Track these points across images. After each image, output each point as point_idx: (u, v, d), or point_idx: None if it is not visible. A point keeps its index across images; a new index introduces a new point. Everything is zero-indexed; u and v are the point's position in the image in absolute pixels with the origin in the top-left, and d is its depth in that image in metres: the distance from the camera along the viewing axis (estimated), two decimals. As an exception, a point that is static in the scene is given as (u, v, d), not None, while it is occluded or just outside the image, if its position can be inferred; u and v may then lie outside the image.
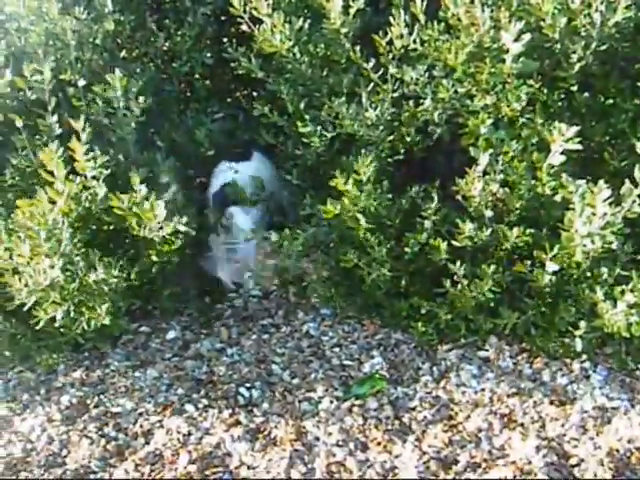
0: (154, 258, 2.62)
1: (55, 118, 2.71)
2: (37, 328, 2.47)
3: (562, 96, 2.40)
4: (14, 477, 2.24)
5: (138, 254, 2.68)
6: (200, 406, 2.46)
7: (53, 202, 2.45)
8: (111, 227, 2.63)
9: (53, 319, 2.47)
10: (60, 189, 2.46)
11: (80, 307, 2.50)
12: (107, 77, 2.73)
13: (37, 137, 2.73)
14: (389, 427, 2.29)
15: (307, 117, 2.66)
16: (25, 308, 2.43)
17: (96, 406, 2.50)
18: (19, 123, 2.65)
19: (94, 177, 2.54)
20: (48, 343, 2.64)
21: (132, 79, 2.74)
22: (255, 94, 3.31)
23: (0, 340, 2.62)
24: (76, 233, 2.50)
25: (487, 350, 2.55)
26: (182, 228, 2.53)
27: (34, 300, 2.41)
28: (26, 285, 2.37)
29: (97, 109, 2.79)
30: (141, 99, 2.76)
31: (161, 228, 2.50)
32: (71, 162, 2.52)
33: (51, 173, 2.46)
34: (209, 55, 3.10)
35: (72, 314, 2.49)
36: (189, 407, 2.46)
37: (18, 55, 2.92)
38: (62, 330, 2.55)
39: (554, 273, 2.31)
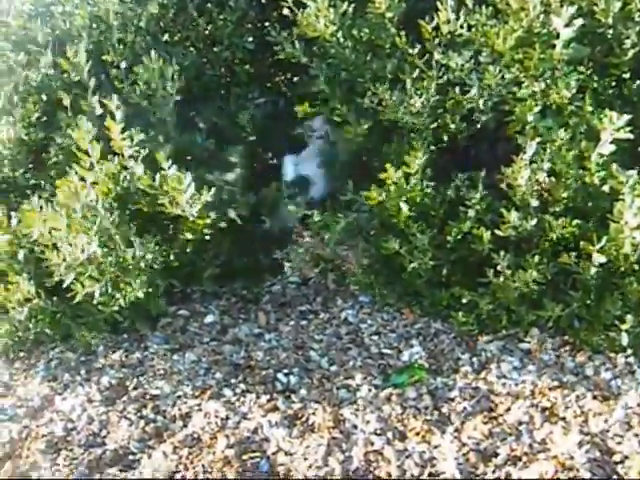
0: (189, 236, 2.61)
1: (96, 98, 2.72)
2: (75, 303, 2.50)
3: (613, 83, 2.35)
4: (55, 455, 2.27)
5: (175, 233, 2.68)
6: (238, 391, 2.46)
7: (84, 180, 2.47)
8: (149, 207, 2.64)
9: (91, 296, 2.49)
10: (94, 168, 2.48)
11: (117, 283, 2.51)
12: (144, 59, 2.74)
13: (79, 117, 2.74)
14: (428, 417, 2.27)
15: (345, 108, 2.63)
16: (64, 285, 2.46)
17: (135, 388, 2.52)
18: (66, 102, 2.67)
19: (131, 157, 2.55)
20: (87, 320, 2.66)
21: (168, 62, 2.74)
22: (296, 79, 3.29)
23: (41, 318, 2.65)
24: (114, 211, 2.51)
25: (529, 342, 2.51)
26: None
27: (72, 277, 2.44)
28: (64, 260, 2.39)
29: (137, 90, 2.80)
30: (177, 81, 2.76)
31: (192, 205, 2.49)
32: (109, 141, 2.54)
33: (85, 152, 2.47)
34: (250, 40, 3.07)
35: (109, 290, 2.50)
36: (227, 391, 2.46)
37: (63, 38, 2.95)
38: (100, 307, 2.57)
39: (601, 265, 2.26)
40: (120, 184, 2.53)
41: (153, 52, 2.73)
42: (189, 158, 2.83)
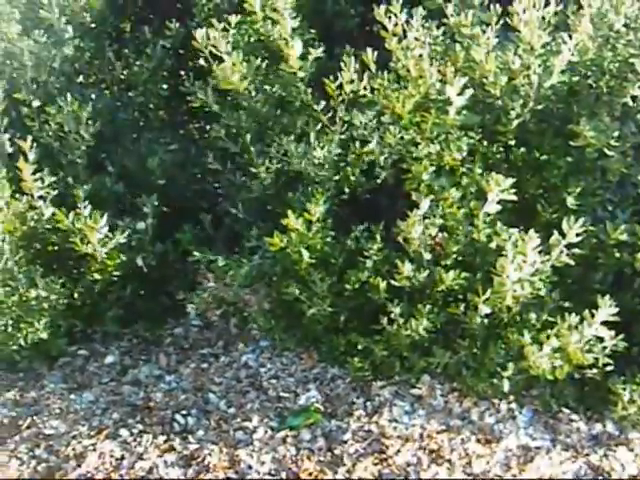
0: (97, 276, 2.63)
1: (7, 136, 2.73)
2: None
3: (500, 149, 2.54)
4: (-61, 495, 2.21)
5: (81, 273, 2.69)
6: (135, 431, 2.47)
7: None
8: (55, 247, 2.66)
9: None
10: (3, 207, 2.48)
11: (19, 322, 2.50)
12: (59, 101, 2.78)
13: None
14: (321, 458, 2.34)
15: (253, 150, 2.74)
16: None
17: (29, 427, 2.49)
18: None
19: (41, 197, 2.57)
20: None
21: (83, 105, 2.79)
22: (208, 127, 3.38)
23: None
24: (19, 250, 2.51)
25: (420, 388, 2.63)
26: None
27: None
28: None
29: (49, 131, 2.83)
30: (91, 125, 2.80)
31: (104, 245, 2.52)
32: (19, 181, 2.55)
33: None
34: (165, 87, 3.16)
35: (9, 329, 2.48)
36: (124, 432, 2.46)
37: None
38: None
39: (486, 316, 2.41)
40: (27, 223, 2.54)
41: (68, 94, 2.77)
42: (98, 201, 2.87)
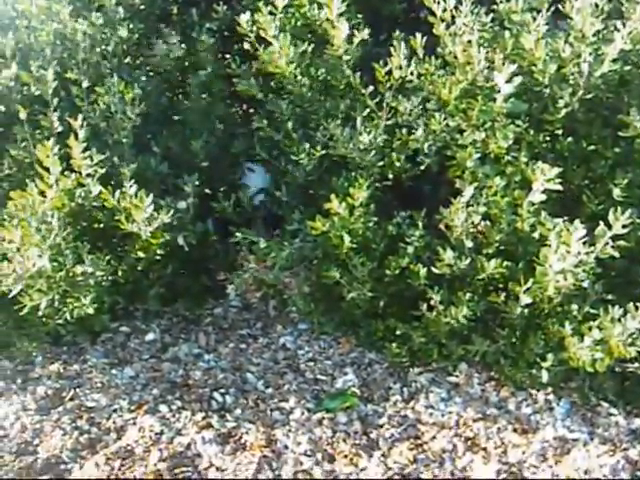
0: (140, 254, 2.67)
1: (57, 115, 2.78)
2: (20, 315, 2.52)
3: (547, 138, 2.52)
4: (-15, 461, 2.28)
5: (125, 251, 2.74)
6: (174, 407, 2.51)
7: (43, 195, 2.52)
8: (101, 224, 2.70)
9: (36, 308, 2.52)
10: (53, 184, 2.53)
11: (65, 297, 2.55)
12: (107, 81, 2.82)
13: (38, 132, 2.80)
14: (357, 441, 2.36)
15: (295, 136, 2.76)
16: (10, 295, 2.48)
17: (71, 399, 2.55)
18: (23, 115, 2.72)
19: (89, 175, 2.62)
20: (29, 332, 2.68)
21: (130, 86, 2.83)
22: (252, 111, 3.40)
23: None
24: (67, 227, 2.57)
25: (457, 376, 2.63)
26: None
27: (20, 288, 2.47)
28: (14, 271, 2.42)
29: (97, 110, 2.88)
30: (137, 106, 2.84)
31: (148, 224, 2.56)
32: (68, 159, 2.59)
33: (46, 169, 2.53)
34: (210, 70, 3.17)
35: (56, 304, 2.54)
36: (163, 407, 2.51)
37: (25, 51, 3.00)
38: (44, 319, 2.60)
39: (526, 306, 2.40)
40: (75, 200, 2.59)
41: (116, 75, 2.82)
42: (143, 181, 2.91)
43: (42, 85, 2.82)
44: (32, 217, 2.45)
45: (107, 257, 2.60)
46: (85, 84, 2.94)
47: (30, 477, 2.23)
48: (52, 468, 2.27)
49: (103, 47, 3.04)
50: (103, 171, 2.64)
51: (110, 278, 2.64)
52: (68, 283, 2.53)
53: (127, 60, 3.24)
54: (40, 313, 2.55)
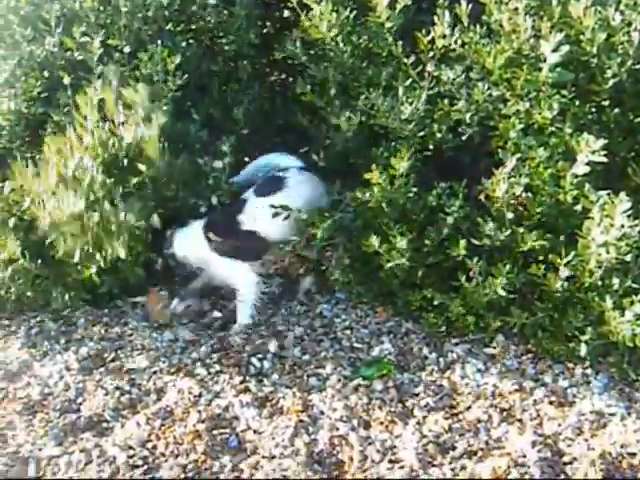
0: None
1: (100, 82, 2.81)
2: (56, 268, 2.65)
3: (593, 109, 2.48)
4: (31, 416, 2.34)
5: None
6: (212, 371, 2.56)
7: (81, 140, 2.58)
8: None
9: (71, 255, 2.60)
10: (91, 129, 2.61)
11: (98, 243, 2.60)
12: (150, 47, 2.84)
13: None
14: (392, 409, 2.38)
15: (338, 102, 2.74)
16: (48, 241, 2.59)
17: (112, 360, 2.61)
18: (66, 80, 2.75)
19: (122, 123, 2.65)
20: (66, 281, 2.73)
21: (172, 53, 2.85)
22: (291, 79, 3.39)
23: (23, 280, 2.73)
24: (102, 172, 2.63)
25: (494, 347, 2.63)
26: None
27: (56, 234, 2.54)
28: (49, 215, 2.48)
29: (139, 77, 2.90)
30: (179, 75, 2.87)
31: None
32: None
33: (84, 117, 2.61)
34: (254, 36, 3.16)
35: (90, 249, 2.60)
36: (201, 371, 2.56)
37: (70, 17, 3.03)
38: (79, 267, 2.68)
39: (567, 279, 2.38)
40: (109, 150, 2.63)
41: (159, 42, 2.84)
42: (181, 145, 2.94)
43: (85, 52, 2.85)
44: (69, 161, 2.50)
45: (139, 204, 2.64)
46: (127, 49, 2.97)
47: (73, 433, 2.29)
48: (94, 426, 2.33)
49: (144, 12, 3.05)
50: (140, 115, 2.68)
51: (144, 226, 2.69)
52: (102, 228, 2.57)
53: (168, 26, 3.26)
54: (75, 260, 2.60)
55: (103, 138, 2.66)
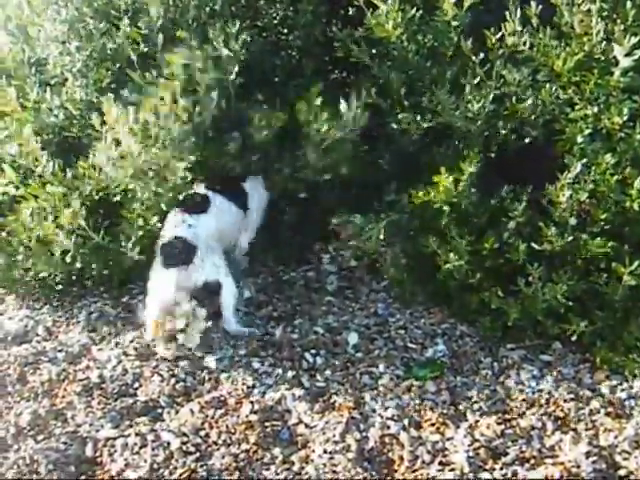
0: None
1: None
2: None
3: (665, 116, 2.41)
4: (89, 398, 2.41)
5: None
6: (266, 364, 2.58)
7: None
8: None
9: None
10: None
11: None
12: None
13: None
14: (444, 411, 2.36)
15: (407, 103, 2.73)
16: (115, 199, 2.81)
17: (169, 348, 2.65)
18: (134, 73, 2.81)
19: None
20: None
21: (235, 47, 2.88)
22: (353, 77, 3.38)
23: (85, 250, 2.85)
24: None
25: (550, 355, 2.59)
26: None
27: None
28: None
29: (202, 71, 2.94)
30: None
31: None
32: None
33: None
34: (321, 33, 3.17)
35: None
36: (255, 363, 2.58)
37: (138, 10, 3.08)
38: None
39: (630, 288, 2.33)
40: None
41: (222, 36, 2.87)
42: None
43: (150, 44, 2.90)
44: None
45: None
46: (193, 43, 3.00)
47: (129, 417, 2.34)
48: (150, 411, 2.38)
49: (211, 6, 3.09)
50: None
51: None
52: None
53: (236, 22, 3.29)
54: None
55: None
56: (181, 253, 2.64)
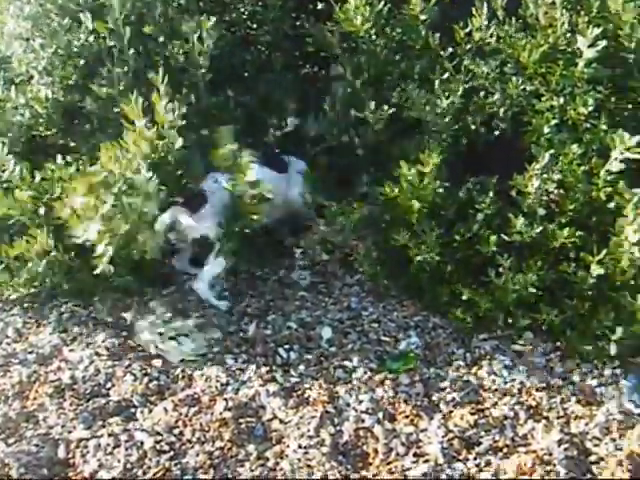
0: None
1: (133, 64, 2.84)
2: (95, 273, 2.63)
3: (629, 106, 2.44)
4: (61, 400, 2.38)
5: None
6: (240, 360, 2.57)
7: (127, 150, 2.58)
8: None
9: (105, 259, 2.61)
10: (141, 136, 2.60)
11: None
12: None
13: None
14: (418, 403, 2.38)
15: (364, 95, 2.74)
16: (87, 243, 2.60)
17: (141, 347, 2.63)
18: (102, 69, 2.78)
19: (171, 127, 2.66)
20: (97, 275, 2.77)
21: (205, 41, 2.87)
22: (324, 72, 3.39)
23: (58, 271, 2.78)
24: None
25: (522, 344, 2.61)
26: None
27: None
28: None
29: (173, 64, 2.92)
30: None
31: None
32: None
33: (132, 123, 2.59)
34: (290, 26, 3.17)
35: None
36: (229, 360, 2.57)
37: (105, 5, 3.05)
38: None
39: (598, 277, 2.36)
40: (158, 152, 2.65)
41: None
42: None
43: (118, 39, 2.87)
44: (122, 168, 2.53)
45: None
46: (161, 39, 2.99)
47: (102, 417, 2.32)
48: (123, 411, 2.36)
49: (178, 1, 3.07)
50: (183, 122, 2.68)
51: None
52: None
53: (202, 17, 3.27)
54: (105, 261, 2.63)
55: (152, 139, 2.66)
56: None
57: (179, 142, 2.63)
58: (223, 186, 2.70)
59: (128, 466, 2.15)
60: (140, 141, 2.54)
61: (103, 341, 2.66)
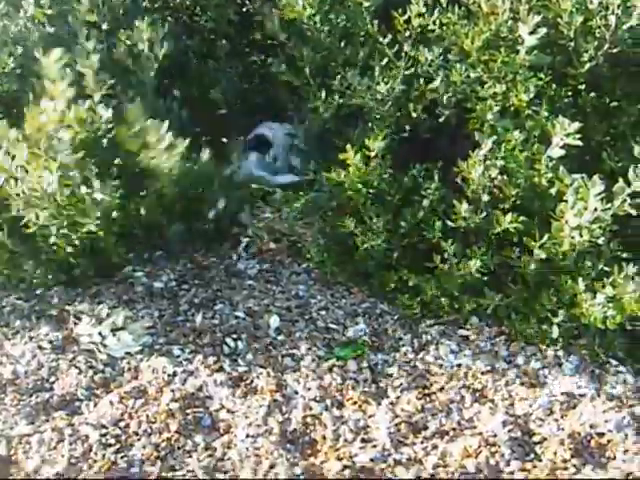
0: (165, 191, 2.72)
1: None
2: (33, 246, 2.59)
3: (569, 93, 2.49)
4: (3, 395, 2.33)
5: (139, 184, 2.76)
6: (187, 351, 2.55)
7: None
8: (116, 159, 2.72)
9: (47, 235, 2.57)
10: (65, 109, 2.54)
11: (74, 224, 2.58)
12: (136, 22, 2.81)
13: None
14: (366, 389, 2.39)
15: (313, 83, 2.73)
16: (23, 222, 2.54)
17: (86, 339, 2.59)
18: (40, 55, 2.70)
19: (101, 102, 2.62)
20: (42, 259, 2.72)
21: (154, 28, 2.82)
22: (270, 59, 3.36)
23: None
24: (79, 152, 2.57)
25: (467, 329, 2.65)
26: None
27: (32, 215, 2.51)
28: (23, 193, 2.44)
29: (120, 51, 2.86)
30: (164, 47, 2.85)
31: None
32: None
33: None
34: (234, 13, 3.13)
35: (66, 230, 2.57)
36: (176, 350, 2.54)
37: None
38: (55, 248, 2.64)
39: (540, 261, 2.40)
40: (88, 128, 2.59)
41: (145, 17, 2.80)
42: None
43: (59, 25, 2.80)
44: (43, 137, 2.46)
45: (116, 184, 2.60)
46: (104, 26, 2.93)
47: (46, 412, 2.28)
48: (67, 405, 2.32)
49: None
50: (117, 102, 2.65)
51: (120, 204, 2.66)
52: (76, 208, 2.54)
53: (145, 4, 3.22)
54: (52, 240, 2.58)
55: (82, 115, 2.60)
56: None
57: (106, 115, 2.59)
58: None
59: (72, 461, 2.11)
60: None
61: (46, 334, 2.60)
